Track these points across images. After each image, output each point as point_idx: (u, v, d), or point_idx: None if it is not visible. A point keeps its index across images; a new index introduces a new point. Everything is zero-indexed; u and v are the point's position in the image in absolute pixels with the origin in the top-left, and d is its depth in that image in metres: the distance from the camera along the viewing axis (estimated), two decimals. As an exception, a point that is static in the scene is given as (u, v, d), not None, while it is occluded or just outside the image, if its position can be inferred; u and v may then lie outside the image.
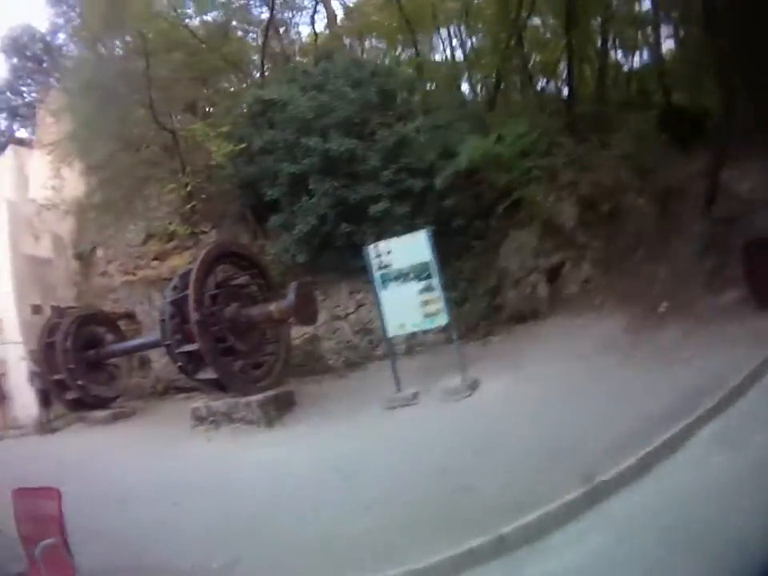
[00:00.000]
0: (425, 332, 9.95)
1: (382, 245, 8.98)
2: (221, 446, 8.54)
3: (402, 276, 8.75)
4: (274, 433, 8.89)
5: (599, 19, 15.39)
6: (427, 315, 8.62)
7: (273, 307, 9.67)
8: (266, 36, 16.60)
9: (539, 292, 11.24)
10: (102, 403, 12.90)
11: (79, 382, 12.45)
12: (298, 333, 12.05)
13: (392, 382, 8.88)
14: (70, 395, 12.64)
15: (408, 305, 8.70)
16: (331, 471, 6.26)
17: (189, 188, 13.95)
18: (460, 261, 11.14)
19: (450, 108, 13.23)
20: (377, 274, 8.94)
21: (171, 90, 15.79)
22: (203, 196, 15.18)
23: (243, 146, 12.93)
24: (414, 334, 10.07)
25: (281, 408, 9.55)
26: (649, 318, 9.09)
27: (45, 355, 12.72)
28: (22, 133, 23.66)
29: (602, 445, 5.17)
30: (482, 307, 10.93)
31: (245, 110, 14.54)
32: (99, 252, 17.85)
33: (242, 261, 10.63)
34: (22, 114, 23.95)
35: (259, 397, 9.34)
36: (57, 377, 12.50)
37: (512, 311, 11.19)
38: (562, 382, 7.61)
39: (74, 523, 4.07)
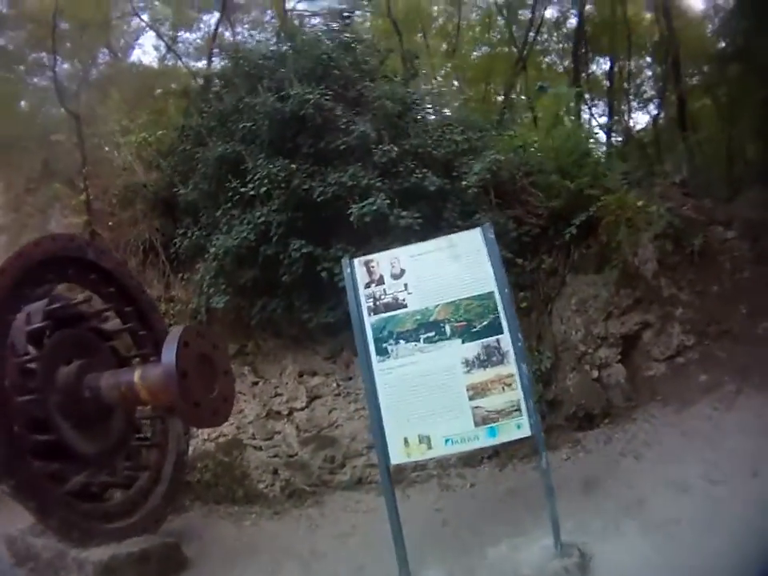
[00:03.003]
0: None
1: (383, 258, 3.84)
2: None
3: (429, 329, 3.61)
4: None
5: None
6: (486, 417, 3.39)
7: (137, 377, 4.21)
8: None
9: (613, 375, 6.45)
10: None
11: None
12: (211, 432, 6.73)
13: (387, 550, 3.81)
14: None
15: (441, 394, 3.57)
16: None
17: (84, 196, 9.22)
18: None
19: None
20: (368, 323, 3.71)
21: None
22: (110, 223, 10.04)
23: (161, 132, 8.42)
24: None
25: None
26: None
27: None
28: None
29: None
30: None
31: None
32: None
33: (104, 283, 5.18)
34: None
35: (102, 556, 4.02)
36: None
37: (575, 407, 6.32)
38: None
39: None
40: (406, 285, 3.77)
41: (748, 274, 6.94)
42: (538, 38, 13.83)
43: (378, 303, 3.79)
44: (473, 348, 3.57)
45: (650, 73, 13.07)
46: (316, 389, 6.47)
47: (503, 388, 3.48)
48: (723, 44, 10.86)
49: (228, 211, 6.11)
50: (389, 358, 3.69)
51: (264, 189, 5.59)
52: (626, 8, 11.35)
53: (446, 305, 3.66)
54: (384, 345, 3.72)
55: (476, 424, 3.50)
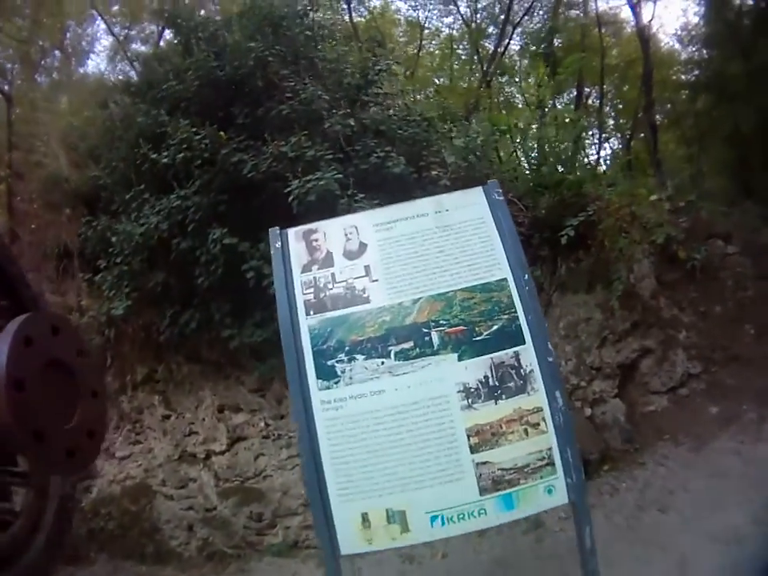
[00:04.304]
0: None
1: (333, 227, 2.41)
2: None
3: (405, 337, 2.17)
4: None
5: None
6: (499, 479, 1.95)
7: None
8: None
9: (610, 412, 5.37)
10: None
11: None
12: (117, 471, 5.40)
13: None
14: None
15: (423, 442, 2.10)
16: None
17: (4, 185, 8.42)
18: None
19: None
20: (304, 327, 2.23)
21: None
22: (33, 226, 8.65)
23: (87, 114, 7.68)
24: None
25: None
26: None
27: None
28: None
29: None
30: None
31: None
32: None
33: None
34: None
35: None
36: None
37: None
38: None
39: None
40: (367, 268, 2.34)
41: (752, 291, 6.16)
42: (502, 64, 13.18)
43: (321, 296, 2.33)
44: (476, 367, 2.14)
45: (619, 100, 12.47)
46: (239, 428, 5.04)
47: (526, 431, 2.07)
48: (694, 74, 10.46)
49: (140, 194, 4.62)
50: (338, 383, 2.22)
51: (181, 156, 4.13)
52: (601, 33, 10.75)
53: (433, 299, 2.24)
54: (330, 362, 2.25)
55: (482, 490, 2.06)
